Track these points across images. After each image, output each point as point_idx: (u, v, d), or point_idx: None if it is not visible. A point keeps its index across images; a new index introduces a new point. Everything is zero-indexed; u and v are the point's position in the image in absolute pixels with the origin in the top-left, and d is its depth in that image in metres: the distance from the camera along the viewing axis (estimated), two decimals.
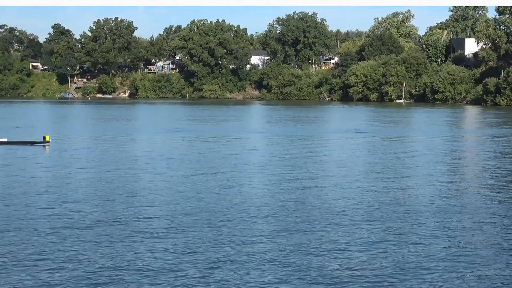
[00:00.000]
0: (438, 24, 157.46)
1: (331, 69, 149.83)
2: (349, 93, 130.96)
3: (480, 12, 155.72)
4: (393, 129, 50.86)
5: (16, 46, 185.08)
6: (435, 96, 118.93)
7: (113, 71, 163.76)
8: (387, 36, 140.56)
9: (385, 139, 39.95)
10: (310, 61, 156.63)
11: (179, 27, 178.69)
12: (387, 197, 18.47)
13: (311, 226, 14.69)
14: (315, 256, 12.24)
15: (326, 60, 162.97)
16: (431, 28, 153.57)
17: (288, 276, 11.12)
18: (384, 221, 15.31)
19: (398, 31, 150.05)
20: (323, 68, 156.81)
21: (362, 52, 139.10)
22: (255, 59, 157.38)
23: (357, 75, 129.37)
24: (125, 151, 31.77)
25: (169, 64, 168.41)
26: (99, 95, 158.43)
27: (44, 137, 33.04)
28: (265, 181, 21.87)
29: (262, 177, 22.85)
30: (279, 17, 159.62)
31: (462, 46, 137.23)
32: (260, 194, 19.17)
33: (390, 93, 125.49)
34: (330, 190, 19.90)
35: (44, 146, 32.11)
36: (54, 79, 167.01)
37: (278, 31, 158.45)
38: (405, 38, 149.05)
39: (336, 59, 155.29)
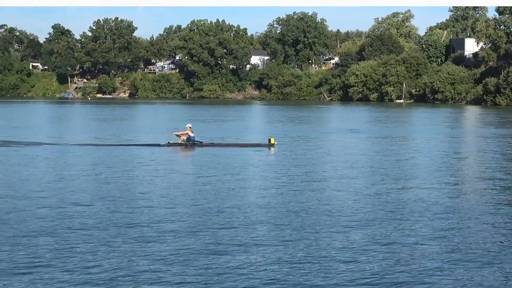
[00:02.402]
0: (438, 24, 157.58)
1: (331, 69, 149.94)
2: (349, 93, 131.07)
3: (480, 12, 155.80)
4: (394, 129, 50.83)
5: (16, 46, 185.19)
6: (435, 96, 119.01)
7: (113, 71, 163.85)
8: (387, 36, 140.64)
9: (386, 139, 39.94)
10: (310, 61, 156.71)
11: (179, 27, 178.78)
12: (388, 199, 18.46)
13: (314, 228, 14.70)
14: (318, 260, 12.25)
15: (326, 60, 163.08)
16: (431, 28, 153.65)
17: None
18: (385, 222, 15.31)
19: (398, 31, 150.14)
20: (323, 68, 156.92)
21: (362, 52, 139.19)
22: (255, 59, 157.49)
23: (357, 75, 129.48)
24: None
25: (169, 64, 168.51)
26: (99, 95, 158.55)
27: (269, 140, 33.53)
28: (264, 185, 21.85)
29: (261, 179, 22.85)
30: (279, 17, 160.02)
31: (462, 46, 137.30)
32: (257, 198, 19.18)
33: (390, 93, 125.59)
34: (329, 191, 19.89)
35: (269, 148, 32.57)
36: (54, 79, 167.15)
37: (278, 31, 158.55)
38: (405, 38, 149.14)
39: (336, 59, 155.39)
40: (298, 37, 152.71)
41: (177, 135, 33.49)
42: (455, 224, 15.20)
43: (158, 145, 33.19)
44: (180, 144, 32.95)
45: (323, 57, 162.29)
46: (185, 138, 33.00)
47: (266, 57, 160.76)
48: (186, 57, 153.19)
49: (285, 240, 13.45)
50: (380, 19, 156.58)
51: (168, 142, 33.42)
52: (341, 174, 23.47)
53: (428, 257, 12.34)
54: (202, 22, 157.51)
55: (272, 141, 33.21)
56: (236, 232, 14.09)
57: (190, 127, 33.40)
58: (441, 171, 24.76)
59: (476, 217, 16.00)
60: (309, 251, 12.66)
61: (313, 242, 13.34)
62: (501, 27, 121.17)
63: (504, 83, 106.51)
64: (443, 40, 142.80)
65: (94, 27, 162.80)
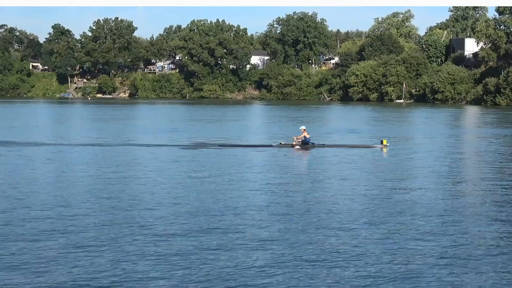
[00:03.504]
0: (438, 24, 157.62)
1: (331, 69, 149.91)
2: (349, 93, 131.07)
3: (480, 12, 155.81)
4: (394, 129, 50.82)
5: (16, 46, 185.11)
6: (435, 96, 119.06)
7: (113, 71, 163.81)
8: (387, 36, 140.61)
9: (387, 139, 39.91)
10: (310, 61, 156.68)
11: (179, 27, 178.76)
12: (388, 200, 18.47)
13: (314, 230, 14.73)
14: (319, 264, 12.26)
15: (326, 60, 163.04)
16: (431, 28, 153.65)
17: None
18: (385, 224, 15.33)
19: (398, 31, 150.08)
20: (323, 68, 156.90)
21: (362, 52, 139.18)
22: (255, 59, 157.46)
23: (357, 75, 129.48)
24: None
25: (169, 64, 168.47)
26: (99, 95, 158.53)
27: (382, 141, 33.99)
28: (264, 185, 21.86)
29: (260, 180, 22.85)
30: (279, 17, 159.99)
31: (462, 46, 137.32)
32: (256, 198, 19.18)
33: (390, 93, 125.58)
34: (328, 193, 19.90)
35: (381, 149, 32.85)
36: (54, 79, 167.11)
37: (278, 31, 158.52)
38: (405, 38, 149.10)
39: (336, 59, 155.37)
40: (298, 37, 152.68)
41: (297, 139, 33.79)
42: (458, 226, 15.20)
43: (270, 146, 33.78)
44: (292, 145, 33.33)
45: (323, 57, 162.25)
46: (299, 140, 33.43)
47: (266, 57, 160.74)
48: (186, 57, 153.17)
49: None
50: (380, 19, 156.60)
51: (280, 143, 33.97)
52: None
53: (430, 259, 12.37)
54: (202, 22, 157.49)
55: (385, 142, 33.66)
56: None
57: (304, 129, 33.98)
58: (446, 172, 24.79)
59: (479, 218, 16.01)
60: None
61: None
62: (501, 27, 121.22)
63: (504, 83, 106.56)
64: (443, 40, 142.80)
65: (94, 27, 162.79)
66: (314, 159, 29.44)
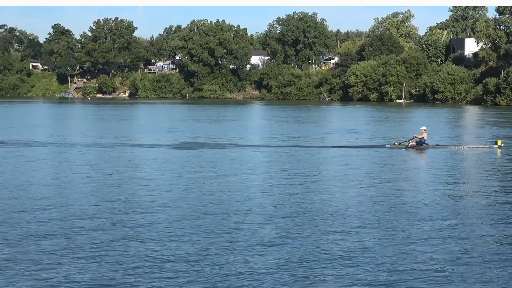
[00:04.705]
0: (438, 24, 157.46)
1: (331, 69, 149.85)
2: (349, 93, 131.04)
3: (480, 12, 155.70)
4: (395, 129, 50.77)
5: (16, 46, 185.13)
6: (435, 96, 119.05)
7: (113, 71, 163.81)
8: (387, 36, 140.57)
9: (387, 139, 39.90)
10: (310, 61, 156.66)
11: (179, 27, 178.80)
12: (387, 201, 18.46)
13: (313, 231, 14.72)
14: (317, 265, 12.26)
15: (326, 60, 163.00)
16: (431, 28, 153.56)
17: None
18: (384, 226, 15.32)
19: (398, 31, 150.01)
20: (323, 68, 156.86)
21: (362, 52, 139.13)
22: (255, 59, 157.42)
23: (357, 75, 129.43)
24: None
25: (169, 64, 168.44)
26: (99, 95, 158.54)
27: (496, 142, 34.00)
28: (261, 185, 21.84)
29: (258, 181, 22.82)
30: (279, 17, 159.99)
31: (462, 46, 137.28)
32: (256, 199, 19.16)
33: (390, 93, 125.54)
34: (326, 195, 19.89)
35: (496, 149, 32.83)
36: (54, 79, 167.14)
37: (278, 31, 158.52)
38: (405, 38, 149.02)
39: (336, 59, 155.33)
40: (298, 37, 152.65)
41: (416, 137, 33.89)
42: (457, 226, 15.20)
43: (384, 146, 34.06)
44: (406, 147, 33.38)
45: (323, 57, 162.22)
46: (414, 143, 33.44)
47: (266, 57, 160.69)
48: (186, 57, 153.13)
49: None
50: (380, 19, 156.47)
51: (394, 144, 34.14)
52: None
53: (432, 260, 12.38)
54: (202, 22, 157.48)
55: (499, 143, 33.60)
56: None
57: (425, 130, 34.09)
58: (441, 173, 24.78)
59: (478, 219, 16.00)
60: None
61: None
62: (501, 27, 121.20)
63: (504, 83, 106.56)
64: (443, 40, 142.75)
65: (94, 27, 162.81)
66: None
